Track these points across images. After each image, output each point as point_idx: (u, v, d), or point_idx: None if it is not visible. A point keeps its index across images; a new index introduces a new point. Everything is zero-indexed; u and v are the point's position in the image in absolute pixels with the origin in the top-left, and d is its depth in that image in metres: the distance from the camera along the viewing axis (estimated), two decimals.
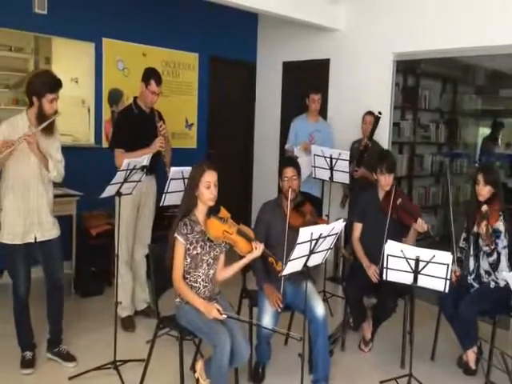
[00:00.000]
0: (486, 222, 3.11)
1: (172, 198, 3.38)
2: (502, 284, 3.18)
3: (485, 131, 6.30)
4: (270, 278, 2.97)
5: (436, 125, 6.30)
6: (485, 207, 3.16)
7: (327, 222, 3.28)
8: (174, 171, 3.32)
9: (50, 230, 3.05)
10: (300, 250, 2.49)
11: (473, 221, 3.28)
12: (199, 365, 2.71)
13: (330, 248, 2.69)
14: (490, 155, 6.00)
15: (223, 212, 2.71)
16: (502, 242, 3.18)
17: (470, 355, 3.30)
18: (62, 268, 3.17)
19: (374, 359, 3.49)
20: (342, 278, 4.68)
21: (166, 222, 4.02)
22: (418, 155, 6.05)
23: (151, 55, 5.22)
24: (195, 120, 5.83)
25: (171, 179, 3.33)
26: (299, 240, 2.45)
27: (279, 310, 2.91)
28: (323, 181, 4.45)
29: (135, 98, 3.72)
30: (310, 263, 2.61)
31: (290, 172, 3.09)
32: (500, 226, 3.17)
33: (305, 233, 2.45)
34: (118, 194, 3.09)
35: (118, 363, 3.05)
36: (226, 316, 2.51)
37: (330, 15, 5.19)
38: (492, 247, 3.16)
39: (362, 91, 5.11)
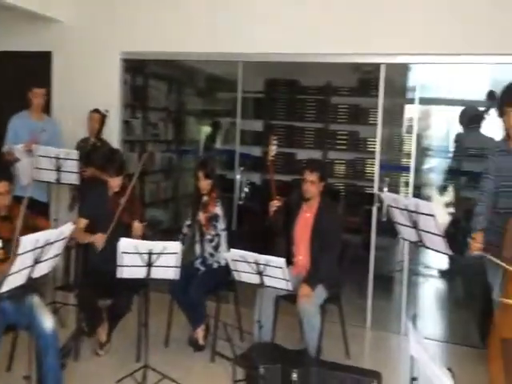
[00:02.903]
0: (205, 211, 3.55)
1: None
2: (223, 263, 3.61)
3: (206, 129, 6.99)
4: None
5: (164, 123, 6.65)
6: (205, 198, 3.59)
7: (48, 222, 3.14)
8: None
9: None
10: (22, 261, 2.29)
11: (196, 211, 3.67)
12: None
13: (58, 254, 2.56)
14: (211, 151, 6.69)
15: None
16: (221, 224, 3.67)
17: (199, 333, 3.68)
18: None
19: (111, 360, 3.49)
20: (74, 285, 4.46)
21: None
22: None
23: None
24: None
25: None
26: (21, 250, 2.25)
27: None
28: (49, 183, 4.15)
29: None
30: (35, 274, 2.44)
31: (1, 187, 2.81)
32: (218, 211, 3.66)
33: (28, 241, 2.27)
34: None
35: None
36: None
37: (45, 2, 4.77)
38: (213, 233, 3.60)
39: (89, 88, 4.96)
